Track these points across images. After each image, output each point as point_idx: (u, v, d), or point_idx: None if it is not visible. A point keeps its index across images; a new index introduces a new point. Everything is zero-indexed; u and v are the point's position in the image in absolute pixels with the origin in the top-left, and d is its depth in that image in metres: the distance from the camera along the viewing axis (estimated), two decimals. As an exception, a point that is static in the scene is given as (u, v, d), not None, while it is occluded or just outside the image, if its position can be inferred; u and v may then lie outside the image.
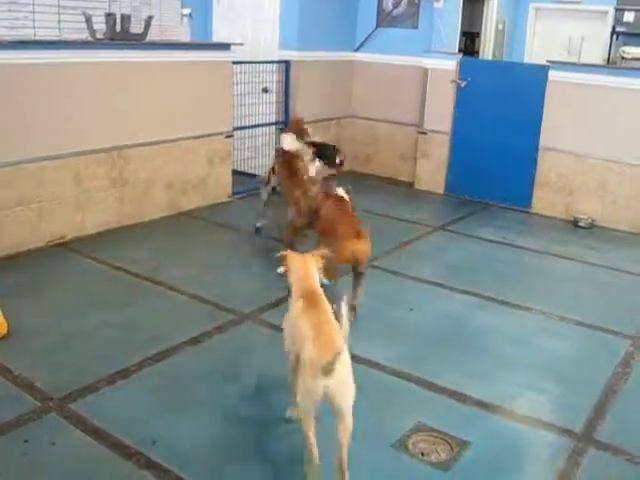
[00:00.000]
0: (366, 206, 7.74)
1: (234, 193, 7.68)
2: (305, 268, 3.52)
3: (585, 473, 3.32)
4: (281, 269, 4.88)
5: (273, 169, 6.28)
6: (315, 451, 2.99)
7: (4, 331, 4.32)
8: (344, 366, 2.99)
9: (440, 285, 5.57)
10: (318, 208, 5.30)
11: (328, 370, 2.87)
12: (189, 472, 3.15)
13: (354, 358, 4.18)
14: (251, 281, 5.48)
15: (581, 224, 7.51)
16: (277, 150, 6.42)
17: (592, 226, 7.47)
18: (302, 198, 5.59)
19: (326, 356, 2.87)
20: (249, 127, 8.09)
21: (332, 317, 3.21)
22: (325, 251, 3.83)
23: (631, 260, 6.48)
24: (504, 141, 7.97)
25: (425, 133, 8.73)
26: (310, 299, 3.32)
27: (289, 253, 3.70)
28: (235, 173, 7.82)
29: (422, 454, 3.37)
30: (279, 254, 3.73)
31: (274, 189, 6.32)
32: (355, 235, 4.69)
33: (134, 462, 3.19)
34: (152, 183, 6.74)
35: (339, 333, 3.09)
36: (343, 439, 3.00)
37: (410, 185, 8.93)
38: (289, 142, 6.20)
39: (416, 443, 3.46)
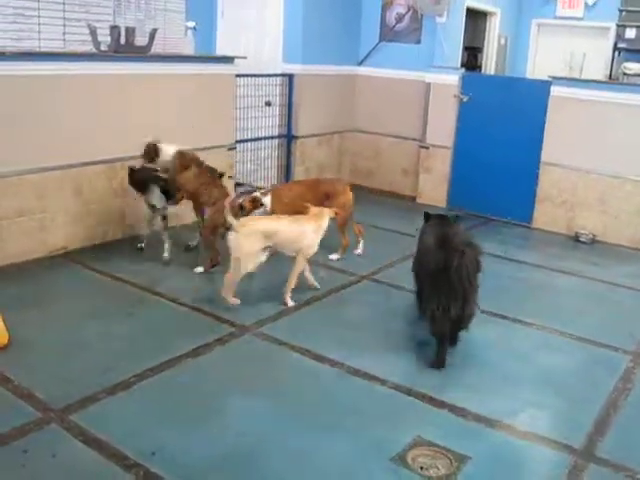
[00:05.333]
0: (368, 220, 7.76)
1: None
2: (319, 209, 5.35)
3: (585, 489, 3.32)
4: (199, 269, 5.76)
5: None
6: None
7: (5, 341, 4.32)
8: None
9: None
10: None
11: None
12: (188, 484, 3.15)
13: (353, 371, 4.23)
14: (251, 293, 5.48)
15: (582, 239, 7.52)
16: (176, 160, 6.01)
17: (593, 241, 7.48)
18: (222, 197, 5.74)
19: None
20: (252, 140, 8.12)
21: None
22: (335, 209, 5.51)
23: (632, 275, 6.48)
24: (506, 156, 8.00)
25: (427, 148, 8.76)
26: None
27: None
28: (238, 185, 7.84)
29: (422, 468, 3.36)
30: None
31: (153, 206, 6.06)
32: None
33: (133, 474, 3.19)
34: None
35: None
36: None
37: (412, 199, 8.95)
38: (167, 150, 5.97)
39: (416, 457, 3.45)
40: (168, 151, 5.93)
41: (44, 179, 5.81)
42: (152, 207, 6.04)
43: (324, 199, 6.06)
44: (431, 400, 3.99)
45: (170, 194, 6.02)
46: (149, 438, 3.47)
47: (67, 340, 4.52)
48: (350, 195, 6.34)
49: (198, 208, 6.14)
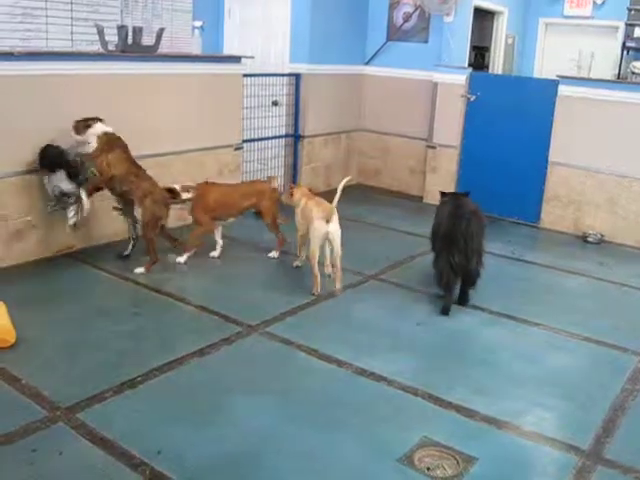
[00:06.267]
0: (374, 220, 7.79)
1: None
2: (302, 189, 5.85)
3: (593, 491, 3.31)
4: (139, 269, 5.66)
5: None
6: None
7: (12, 340, 4.33)
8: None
9: (447, 299, 5.55)
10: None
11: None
12: (194, 483, 3.15)
13: (361, 371, 4.22)
14: (257, 294, 5.48)
15: (590, 239, 7.49)
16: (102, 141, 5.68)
17: (601, 241, 7.45)
18: (154, 189, 5.67)
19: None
20: (259, 140, 8.13)
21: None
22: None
23: (640, 276, 6.46)
24: (513, 155, 7.98)
25: (434, 147, 8.75)
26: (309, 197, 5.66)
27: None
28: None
29: (428, 469, 3.35)
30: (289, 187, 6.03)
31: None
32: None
33: (140, 472, 3.19)
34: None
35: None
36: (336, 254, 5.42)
37: (419, 199, 8.94)
38: (98, 128, 5.67)
39: (422, 458, 3.44)
40: (97, 130, 5.63)
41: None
42: (61, 194, 5.60)
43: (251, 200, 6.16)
44: (438, 400, 3.98)
45: (79, 179, 5.65)
46: (155, 437, 3.47)
47: (74, 339, 4.53)
48: (276, 197, 6.23)
49: (126, 202, 5.85)
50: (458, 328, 5.07)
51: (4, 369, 4.05)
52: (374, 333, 4.87)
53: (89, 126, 5.64)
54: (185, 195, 5.89)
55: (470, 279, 5.33)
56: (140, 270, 5.68)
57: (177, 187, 5.89)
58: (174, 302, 5.20)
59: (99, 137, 5.62)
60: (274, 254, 6.31)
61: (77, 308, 5.01)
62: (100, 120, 5.68)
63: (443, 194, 5.89)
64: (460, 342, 4.87)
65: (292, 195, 5.83)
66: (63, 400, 3.74)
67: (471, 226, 5.17)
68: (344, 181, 5.58)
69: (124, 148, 5.71)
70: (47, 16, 7.22)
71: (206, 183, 6.13)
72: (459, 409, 3.90)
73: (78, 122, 5.65)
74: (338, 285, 5.60)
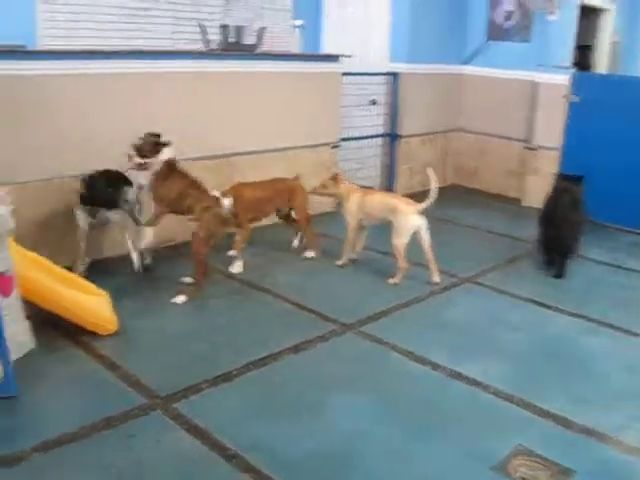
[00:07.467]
0: (471, 221, 7.66)
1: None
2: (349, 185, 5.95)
3: (700, 512, 3.15)
4: (181, 298, 5.03)
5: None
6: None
7: (114, 328, 4.48)
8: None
9: (546, 306, 5.38)
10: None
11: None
12: (286, 478, 3.16)
13: (455, 375, 4.15)
14: (353, 291, 5.49)
15: (700, 249, 7.14)
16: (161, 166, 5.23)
17: None
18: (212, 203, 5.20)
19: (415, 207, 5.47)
20: (356, 139, 8.13)
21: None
22: None
23: None
24: (619, 159, 7.66)
25: (534, 149, 8.52)
26: (365, 191, 5.94)
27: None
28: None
29: (523, 479, 3.26)
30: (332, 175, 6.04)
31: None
32: None
33: (234, 465, 3.23)
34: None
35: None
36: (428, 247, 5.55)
37: (517, 201, 8.72)
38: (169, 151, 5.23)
39: (517, 467, 3.35)
40: (165, 156, 5.17)
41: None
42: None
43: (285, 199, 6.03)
44: (535, 409, 3.86)
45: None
46: (249, 431, 3.51)
47: (173, 330, 4.65)
48: (306, 193, 6.12)
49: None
50: (556, 335, 4.92)
51: (105, 356, 4.20)
52: (469, 337, 4.78)
53: (159, 151, 5.16)
54: (227, 202, 5.34)
55: (561, 250, 5.92)
56: (181, 298, 5.06)
57: (217, 194, 5.37)
58: (271, 298, 5.26)
59: (163, 164, 5.19)
60: (311, 254, 6.18)
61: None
62: (168, 144, 5.21)
63: (558, 176, 6.34)
64: (558, 349, 4.70)
65: (338, 182, 5.87)
66: (161, 389, 3.84)
67: (568, 208, 5.81)
68: (432, 176, 5.50)
69: (182, 172, 5.32)
70: (151, 16, 7.44)
71: (239, 184, 5.80)
72: (556, 418, 3.78)
73: (144, 142, 5.13)
74: (437, 278, 5.59)
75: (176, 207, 5.25)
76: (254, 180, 6.01)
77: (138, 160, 5.11)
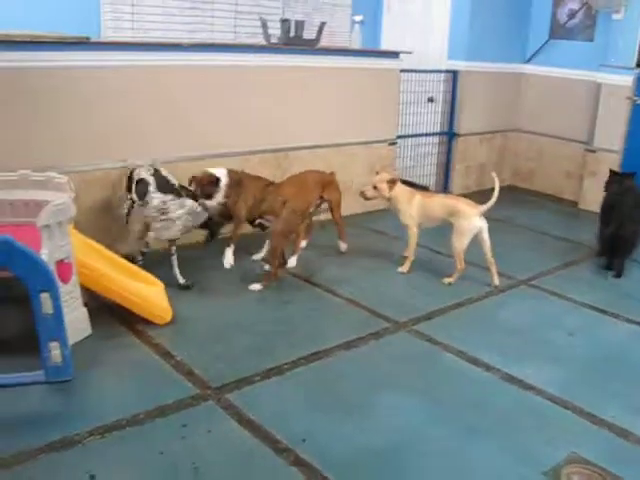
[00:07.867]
0: (526, 223, 7.55)
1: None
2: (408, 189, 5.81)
3: None
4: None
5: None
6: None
7: (168, 318, 4.54)
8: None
9: (603, 311, 5.26)
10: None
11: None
12: (335, 474, 3.15)
13: (509, 378, 4.09)
14: (406, 290, 5.45)
15: None
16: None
17: None
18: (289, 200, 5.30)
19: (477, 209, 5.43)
20: (413, 136, 8.07)
21: None
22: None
23: None
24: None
25: (594, 151, 8.34)
26: (423, 194, 5.87)
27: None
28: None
29: (576, 487, 3.21)
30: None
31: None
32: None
33: (284, 457, 3.24)
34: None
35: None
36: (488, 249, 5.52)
37: (574, 204, 8.56)
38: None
39: (570, 475, 3.27)
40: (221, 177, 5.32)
41: (203, 166, 5.67)
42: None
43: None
44: (590, 416, 3.77)
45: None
46: (300, 425, 3.52)
47: (226, 321, 4.68)
48: (339, 189, 6.06)
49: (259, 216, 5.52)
50: (613, 341, 4.80)
51: (160, 345, 4.25)
52: (523, 340, 4.70)
53: (216, 192, 5.30)
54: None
55: (620, 248, 5.97)
56: (257, 287, 5.25)
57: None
58: (324, 293, 5.27)
59: (229, 181, 5.33)
60: (344, 246, 6.14)
61: (231, 291, 5.18)
62: (219, 180, 5.30)
63: (612, 173, 6.54)
64: (615, 356, 4.58)
65: (392, 185, 5.68)
66: (213, 379, 3.87)
67: (624, 198, 5.98)
68: (496, 180, 5.54)
69: (250, 176, 5.49)
70: (213, 9, 7.52)
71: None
72: (612, 427, 3.68)
73: (202, 181, 5.26)
74: (497, 281, 5.55)
75: (255, 212, 5.41)
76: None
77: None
